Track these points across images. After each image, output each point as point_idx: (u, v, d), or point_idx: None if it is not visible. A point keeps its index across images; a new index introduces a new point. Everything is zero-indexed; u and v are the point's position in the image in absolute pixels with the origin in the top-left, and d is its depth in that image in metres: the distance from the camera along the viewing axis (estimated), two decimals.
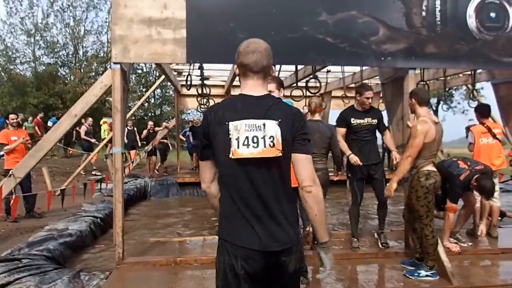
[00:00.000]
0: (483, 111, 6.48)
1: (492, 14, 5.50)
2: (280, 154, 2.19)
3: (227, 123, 2.20)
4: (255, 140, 2.16)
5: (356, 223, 5.83)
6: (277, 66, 7.40)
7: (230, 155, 2.18)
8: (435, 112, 32.49)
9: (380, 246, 5.84)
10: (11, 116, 8.78)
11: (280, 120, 2.22)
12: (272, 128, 2.19)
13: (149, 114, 31.95)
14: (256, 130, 2.18)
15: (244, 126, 2.18)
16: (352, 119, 5.62)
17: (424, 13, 5.35)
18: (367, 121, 5.63)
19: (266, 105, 2.27)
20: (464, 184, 5.46)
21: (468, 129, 7.20)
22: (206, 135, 2.29)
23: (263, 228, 2.21)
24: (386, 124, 6.04)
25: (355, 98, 5.77)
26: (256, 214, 2.22)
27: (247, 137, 2.16)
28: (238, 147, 2.17)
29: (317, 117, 5.54)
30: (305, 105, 8.69)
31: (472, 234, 6.47)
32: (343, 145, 5.61)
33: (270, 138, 2.17)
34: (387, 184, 4.90)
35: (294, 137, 2.26)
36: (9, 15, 28.35)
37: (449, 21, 5.41)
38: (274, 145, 2.17)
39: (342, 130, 5.68)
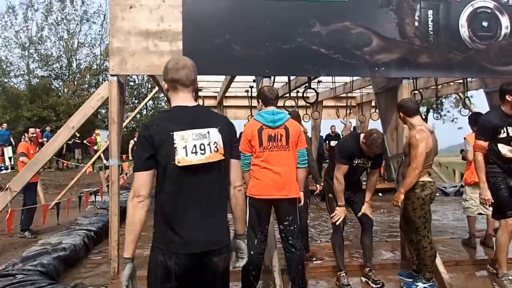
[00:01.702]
0: (476, 120, 6.50)
1: (484, 23, 5.56)
2: (223, 158, 2.43)
3: (171, 133, 2.34)
4: (202, 147, 2.36)
5: (341, 253, 5.11)
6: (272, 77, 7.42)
7: (177, 163, 2.32)
8: (425, 121, 32.58)
9: (374, 286, 4.98)
10: (31, 130, 8.69)
11: (219, 127, 2.46)
12: (215, 134, 2.42)
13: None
14: (202, 138, 2.38)
15: (191, 135, 2.36)
16: (356, 158, 4.87)
17: (416, 23, 5.41)
18: (363, 162, 4.93)
19: (203, 114, 2.52)
20: (493, 115, 5.01)
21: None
22: (150, 147, 2.35)
23: (201, 230, 2.39)
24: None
25: (362, 138, 4.78)
26: (195, 218, 2.39)
27: (195, 145, 2.35)
28: (186, 155, 2.33)
29: None
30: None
31: (484, 243, 6.51)
32: (339, 191, 4.89)
33: (214, 144, 2.40)
34: (395, 194, 4.81)
35: (231, 142, 2.55)
36: (4, 29, 28.46)
37: (442, 31, 5.48)
38: (217, 150, 2.41)
39: (344, 169, 4.86)
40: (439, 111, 32.82)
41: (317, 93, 7.43)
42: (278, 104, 4.72)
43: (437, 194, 13.40)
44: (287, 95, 7.74)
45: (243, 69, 5.38)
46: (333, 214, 5.01)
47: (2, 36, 28.38)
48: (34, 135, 8.64)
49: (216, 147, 2.40)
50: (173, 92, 2.53)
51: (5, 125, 19.53)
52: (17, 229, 8.26)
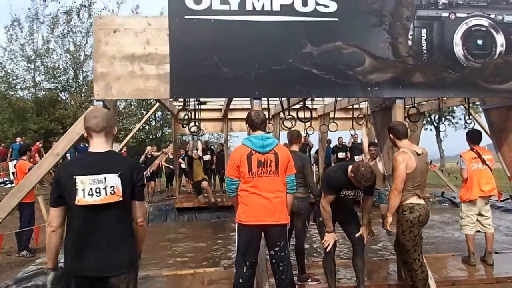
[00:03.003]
0: (473, 137, 6.46)
1: (479, 42, 5.48)
2: (120, 199, 2.87)
3: (74, 177, 2.81)
4: (98, 191, 2.81)
5: (332, 275, 5.05)
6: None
7: (76, 202, 2.80)
8: (437, 129, 32.43)
9: None
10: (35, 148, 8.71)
11: (120, 172, 2.88)
12: (113, 180, 2.85)
13: (150, 137, 31.93)
14: (99, 183, 2.82)
15: (89, 180, 2.82)
16: (344, 189, 4.77)
17: (410, 42, 5.33)
18: (354, 193, 4.82)
19: (109, 160, 2.96)
20: None
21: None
22: (58, 187, 2.86)
23: (97, 257, 2.85)
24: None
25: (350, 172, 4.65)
26: (93, 247, 2.85)
27: (91, 189, 2.80)
28: (84, 196, 2.79)
29: (294, 148, 5.59)
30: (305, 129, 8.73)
31: (484, 261, 6.37)
32: (326, 218, 4.85)
33: (110, 187, 2.85)
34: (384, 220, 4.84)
35: (133, 185, 2.96)
36: (9, 42, 28.52)
37: (436, 49, 5.40)
38: (114, 192, 2.85)
39: (331, 198, 4.78)
40: (450, 118, 32.75)
41: (311, 112, 7.36)
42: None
43: (446, 204, 13.33)
44: (286, 113, 7.67)
45: (233, 92, 5.33)
46: (323, 241, 4.96)
47: (7, 49, 28.49)
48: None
49: (113, 190, 2.84)
50: (89, 138, 3.03)
51: (18, 138, 19.73)
52: (16, 247, 8.24)
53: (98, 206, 2.82)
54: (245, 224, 4.26)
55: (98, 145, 3.00)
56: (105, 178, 2.83)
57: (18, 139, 19.62)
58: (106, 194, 2.82)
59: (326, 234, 4.91)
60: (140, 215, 3.03)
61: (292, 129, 6.41)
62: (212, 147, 15.76)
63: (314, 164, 16.93)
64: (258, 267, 4.86)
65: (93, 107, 3.23)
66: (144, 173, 14.86)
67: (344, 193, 4.78)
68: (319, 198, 4.98)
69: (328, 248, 4.90)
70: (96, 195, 2.80)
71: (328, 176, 4.93)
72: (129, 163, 3.07)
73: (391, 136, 4.93)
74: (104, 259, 2.86)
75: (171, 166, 15.57)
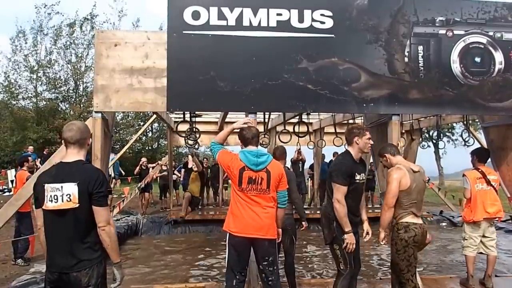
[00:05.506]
0: (480, 156, 6.10)
1: (477, 59, 5.51)
2: (77, 206, 3.10)
3: (43, 185, 3.15)
4: (55, 197, 3.11)
5: None
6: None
7: (44, 207, 3.15)
8: (436, 146, 32.32)
9: None
10: (30, 159, 8.70)
11: (78, 182, 3.12)
12: (69, 188, 3.11)
13: (147, 148, 31.92)
14: (56, 190, 3.11)
15: (50, 188, 3.12)
16: (356, 173, 4.41)
17: (406, 59, 5.37)
18: (363, 177, 4.54)
19: (73, 169, 3.21)
20: None
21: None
22: (36, 192, 3.23)
23: (59, 256, 3.18)
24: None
25: (351, 142, 4.47)
26: (58, 246, 3.18)
27: (51, 195, 3.11)
28: (46, 202, 3.12)
29: None
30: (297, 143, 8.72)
31: (483, 284, 6.14)
32: (343, 215, 4.34)
33: (67, 195, 3.10)
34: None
35: (91, 193, 3.14)
36: (14, 53, 28.64)
37: (433, 66, 5.42)
38: (70, 200, 3.10)
39: (345, 189, 4.33)
40: (449, 135, 32.66)
41: (308, 127, 7.36)
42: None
43: (444, 223, 13.11)
44: (282, 126, 7.67)
45: (228, 106, 5.36)
46: (344, 245, 4.40)
47: (12, 59, 28.57)
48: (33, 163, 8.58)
49: (69, 198, 3.09)
50: (65, 147, 3.31)
51: (31, 147, 19.60)
52: (11, 256, 8.18)
53: (59, 211, 3.11)
54: (234, 234, 4.24)
55: (70, 155, 3.29)
56: (61, 186, 3.11)
57: (31, 148, 19.47)
58: (62, 201, 3.10)
59: (345, 235, 4.38)
60: (101, 220, 3.19)
61: (277, 145, 6.34)
62: (205, 159, 15.69)
63: (308, 179, 16.88)
64: (250, 284, 4.84)
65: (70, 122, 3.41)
66: (139, 184, 14.92)
67: (357, 179, 4.43)
68: (331, 196, 4.50)
69: (351, 249, 4.42)
70: (54, 201, 3.10)
71: (339, 164, 4.55)
72: (90, 172, 3.26)
73: (386, 157, 4.72)
74: (63, 258, 3.17)
75: (165, 174, 15.55)
